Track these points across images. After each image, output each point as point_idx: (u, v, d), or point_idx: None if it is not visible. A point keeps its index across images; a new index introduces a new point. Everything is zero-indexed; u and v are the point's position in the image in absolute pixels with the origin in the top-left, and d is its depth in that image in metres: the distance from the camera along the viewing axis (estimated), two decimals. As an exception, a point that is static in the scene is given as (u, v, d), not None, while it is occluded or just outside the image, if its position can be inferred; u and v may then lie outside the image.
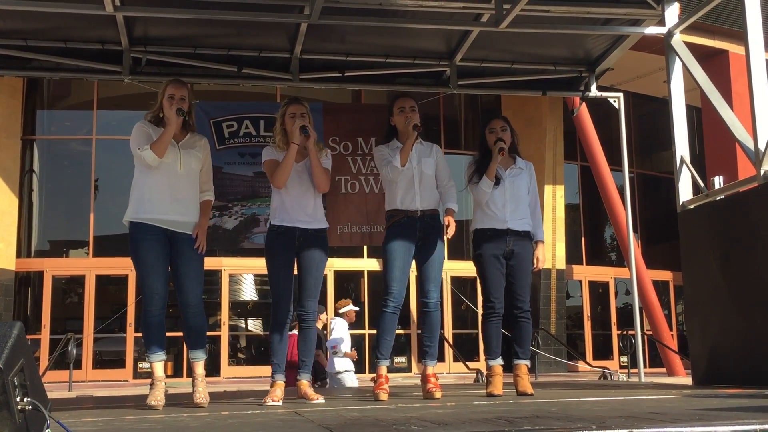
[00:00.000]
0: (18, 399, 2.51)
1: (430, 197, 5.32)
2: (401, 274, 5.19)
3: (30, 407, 2.54)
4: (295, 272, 5.20)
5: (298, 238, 5.09)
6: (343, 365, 9.21)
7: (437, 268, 5.30)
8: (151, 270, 4.76)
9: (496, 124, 5.54)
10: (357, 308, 10.11)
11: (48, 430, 2.64)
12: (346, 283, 17.39)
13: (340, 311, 9.63)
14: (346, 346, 9.32)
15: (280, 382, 5.04)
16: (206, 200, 5.08)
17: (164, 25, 7.34)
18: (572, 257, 18.31)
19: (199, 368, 4.89)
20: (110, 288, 16.35)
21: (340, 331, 9.39)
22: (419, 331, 5.59)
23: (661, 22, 7.23)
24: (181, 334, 4.96)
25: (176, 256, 4.83)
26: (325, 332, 10.35)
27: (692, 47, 7.63)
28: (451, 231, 5.22)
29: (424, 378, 5.23)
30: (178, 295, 4.89)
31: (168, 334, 4.93)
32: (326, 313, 10.42)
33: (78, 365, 14.46)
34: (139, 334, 15.28)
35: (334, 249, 14.43)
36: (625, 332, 13.42)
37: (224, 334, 16.00)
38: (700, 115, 17.07)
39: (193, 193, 4.97)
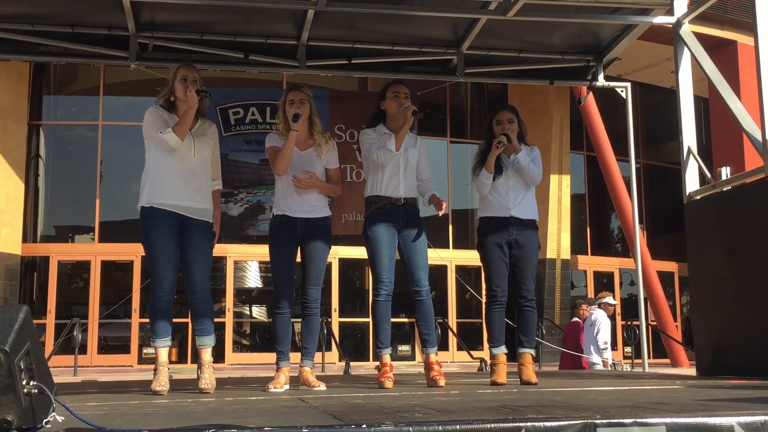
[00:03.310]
0: (24, 382, 2.51)
1: (412, 186, 5.35)
2: (390, 262, 5.18)
3: (36, 391, 2.55)
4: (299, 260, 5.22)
5: (301, 228, 5.10)
6: (605, 356, 9.43)
7: (424, 255, 5.29)
8: (161, 255, 4.77)
9: (503, 116, 5.52)
10: (615, 302, 10.33)
11: (54, 413, 2.65)
12: (351, 272, 17.40)
13: (602, 301, 9.68)
14: (606, 337, 9.49)
15: (285, 369, 5.06)
16: (217, 190, 5.11)
17: (171, 11, 7.33)
18: (577, 247, 18.28)
19: (206, 355, 4.89)
20: (116, 274, 16.40)
21: (605, 325, 9.46)
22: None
23: (670, 12, 7.19)
24: (186, 320, 4.99)
25: (186, 241, 4.84)
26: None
27: (700, 37, 7.58)
28: (444, 208, 5.23)
29: (428, 366, 5.23)
30: (185, 281, 4.90)
31: (173, 320, 4.93)
32: (587, 306, 10.37)
33: (83, 350, 14.52)
34: (145, 320, 15.37)
35: (339, 237, 14.51)
36: (629, 323, 13.42)
37: (229, 320, 16.04)
38: (707, 106, 17.02)
39: (206, 180, 4.98)
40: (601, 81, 8.42)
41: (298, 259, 5.21)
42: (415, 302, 5.30)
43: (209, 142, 4.98)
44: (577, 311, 10.65)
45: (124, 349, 15.76)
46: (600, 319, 9.41)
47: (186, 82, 4.84)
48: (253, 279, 17.19)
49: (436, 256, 5.67)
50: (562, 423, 2.60)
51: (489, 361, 5.52)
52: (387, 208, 5.23)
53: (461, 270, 16.77)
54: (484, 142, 5.60)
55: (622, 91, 8.65)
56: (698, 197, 6.88)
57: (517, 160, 5.41)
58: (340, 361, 13.74)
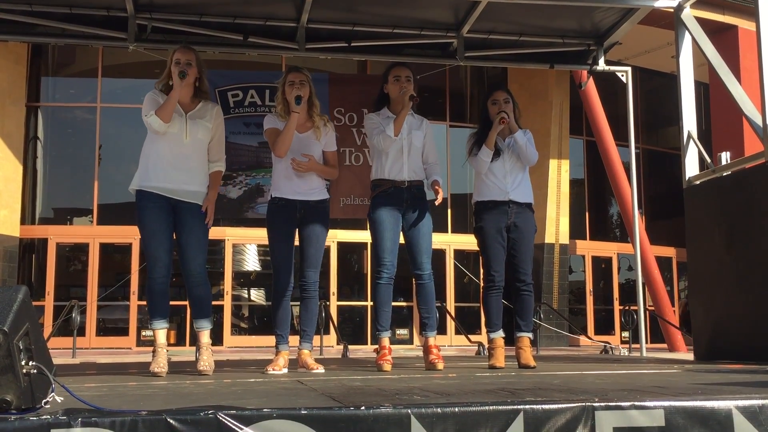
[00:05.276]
0: (23, 363, 2.51)
1: (417, 169, 5.33)
2: (392, 245, 5.19)
3: (35, 371, 2.55)
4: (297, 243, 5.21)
5: (299, 210, 5.10)
6: None
7: (428, 239, 5.30)
8: (153, 237, 4.77)
9: (498, 96, 5.51)
10: None
11: (53, 394, 2.66)
12: (349, 255, 17.41)
13: None
14: None
15: (285, 352, 5.07)
16: (216, 171, 5.03)
17: (170, -8, 7.28)
18: (576, 232, 18.29)
19: (204, 337, 4.90)
20: (114, 256, 16.41)
21: None
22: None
23: (672, -4, 7.16)
24: (184, 302, 4.98)
25: (179, 225, 4.83)
26: None
27: (702, 22, 7.55)
28: (439, 199, 5.22)
29: (427, 349, 5.25)
30: (181, 265, 4.90)
31: (171, 303, 4.94)
32: None
33: (81, 332, 14.55)
34: (143, 302, 15.38)
35: (337, 221, 14.51)
36: (627, 307, 13.45)
37: (227, 303, 16.07)
38: (707, 91, 16.98)
39: (200, 163, 4.94)
40: (601, 65, 8.37)
41: (296, 243, 5.21)
42: (417, 286, 5.31)
43: (207, 125, 4.95)
44: None
45: (123, 331, 15.79)
46: None
47: (180, 65, 4.83)
48: (252, 262, 17.20)
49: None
50: (560, 406, 2.60)
51: (487, 345, 5.53)
52: (391, 191, 5.24)
53: (459, 254, 16.77)
54: (479, 124, 5.60)
55: (622, 75, 8.61)
56: (698, 182, 6.87)
57: (515, 140, 5.41)
58: (338, 344, 13.77)
